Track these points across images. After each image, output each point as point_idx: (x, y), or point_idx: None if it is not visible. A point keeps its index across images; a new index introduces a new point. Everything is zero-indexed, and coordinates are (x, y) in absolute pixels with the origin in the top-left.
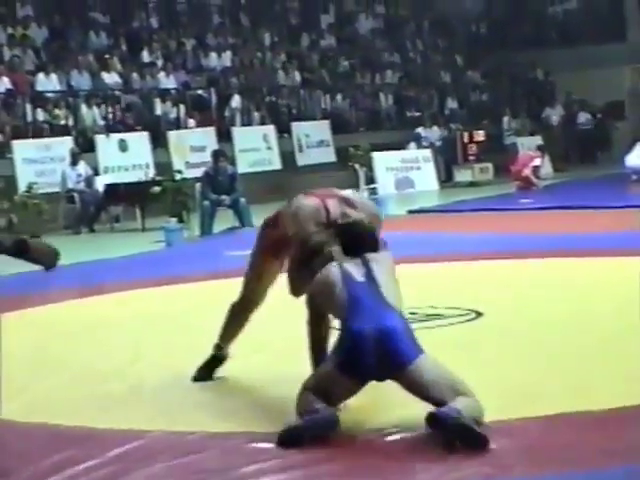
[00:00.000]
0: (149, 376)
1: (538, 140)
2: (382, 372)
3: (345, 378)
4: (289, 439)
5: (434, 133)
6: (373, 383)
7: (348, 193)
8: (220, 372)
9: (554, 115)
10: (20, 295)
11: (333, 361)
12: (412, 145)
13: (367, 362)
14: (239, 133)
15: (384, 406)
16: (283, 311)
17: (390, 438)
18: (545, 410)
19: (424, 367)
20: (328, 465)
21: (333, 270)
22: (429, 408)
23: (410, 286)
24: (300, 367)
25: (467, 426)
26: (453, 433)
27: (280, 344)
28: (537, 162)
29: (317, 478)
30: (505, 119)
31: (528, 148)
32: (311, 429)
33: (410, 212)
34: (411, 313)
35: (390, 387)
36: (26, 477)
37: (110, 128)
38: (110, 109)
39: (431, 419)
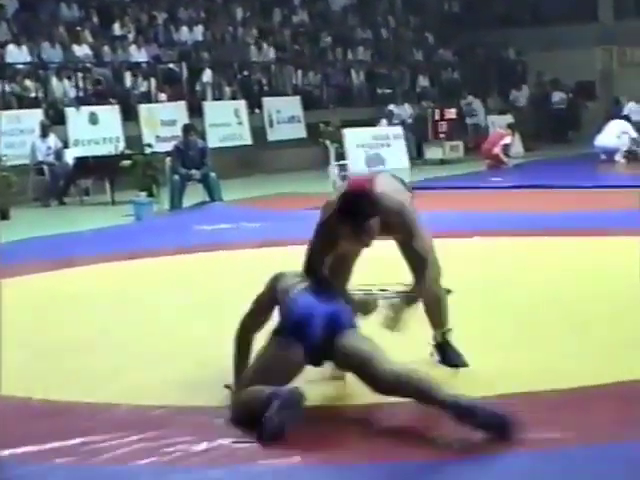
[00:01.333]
0: (116, 350)
1: (509, 119)
2: (325, 343)
3: (290, 352)
4: (269, 433)
5: (405, 110)
6: None
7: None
8: (190, 348)
9: (521, 97)
10: None
11: (274, 341)
12: (383, 122)
13: (313, 332)
14: (210, 107)
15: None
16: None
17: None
18: (514, 389)
19: (360, 336)
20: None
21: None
22: None
23: (380, 263)
24: None
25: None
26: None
27: None
28: (507, 140)
29: (288, 452)
30: (469, 98)
31: (499, 127)
32: (283, 411)
33: None
34: (381, 290)
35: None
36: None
37: (81, 101)
38: (81, 82)
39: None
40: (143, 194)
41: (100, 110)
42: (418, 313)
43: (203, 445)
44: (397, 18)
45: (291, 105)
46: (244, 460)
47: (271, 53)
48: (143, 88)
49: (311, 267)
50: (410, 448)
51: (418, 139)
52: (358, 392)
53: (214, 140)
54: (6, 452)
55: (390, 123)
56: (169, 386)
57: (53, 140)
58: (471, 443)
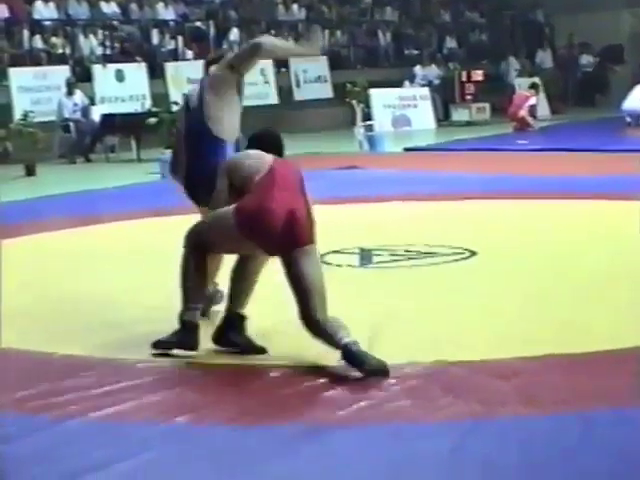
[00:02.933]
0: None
1: (535, 81)
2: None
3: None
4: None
5: (432, 71)
6: None
7: None
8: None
9: (546, 58)
10: (16, 223)
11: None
12: (406, 84)
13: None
14: None
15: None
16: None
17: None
18: (535, 351)
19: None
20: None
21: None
22: None
23: (405, 224)
24: None
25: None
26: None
27: None
28: (532, 101)
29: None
30: (512, 59)
31: (522, 88)
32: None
33: (406, 150)
34: (406, 251)
35: None
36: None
37: (107, 58)
38: (108, 39)
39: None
40: (169, 152)
41: (127, 67)
42: None
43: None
44: None
45: (318, 65)
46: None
47: (299, 12)
48: (170, 46)
49: None
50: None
51: (445, 101)
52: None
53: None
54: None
55: (416, 84)
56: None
57: (80, 97)
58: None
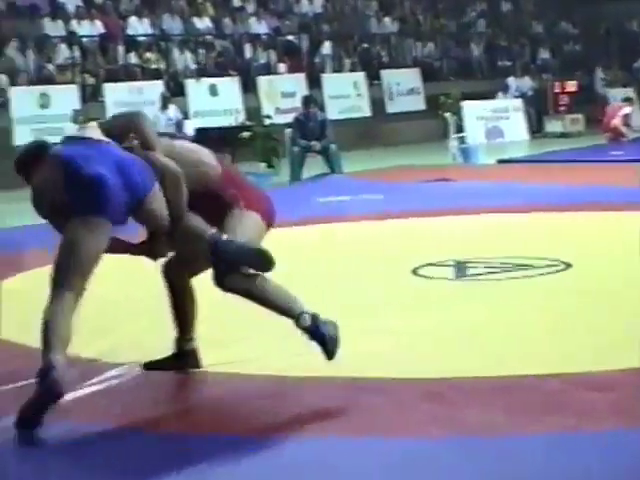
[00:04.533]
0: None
1: (630, 92)
2: (129, 205)
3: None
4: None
5: (525, 83)
6: None
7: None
8: None
9: None
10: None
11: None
12: (499, 95)
13: (116, 200)
14: (329, 80)
15: None
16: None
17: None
18: (634, 364)
19: (158, 196)
20: None
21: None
22: None
23: (500, 236)
24: None
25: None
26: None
27: None
28: (626, 110)
29: None
30: (598, 70)
31: (616, 101)
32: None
33: (500, 162)
34: (502, 263)
35: None
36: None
37: (201, 73)
38: (201, 54)
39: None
40: (263, 165)
41: (220, 82)
42: None
43: None
44: None
45: (411, 77)
46: None
47: (391, 25)
48: (263, 60)
49: None
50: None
51: (538, 112)
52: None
53: (333, 112)
54: None
55: (506, 96)
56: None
57: (173, 111)
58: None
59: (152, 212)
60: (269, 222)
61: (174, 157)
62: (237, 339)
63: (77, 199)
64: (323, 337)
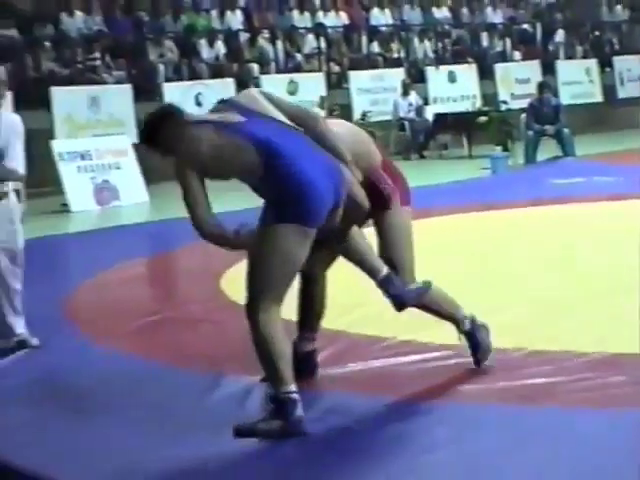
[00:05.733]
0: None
1: None
2: (330, 210)
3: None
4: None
5: None
6: None
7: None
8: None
9: None
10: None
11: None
12: None
13: (326, 208)
14: (563, 66)
15: None
16: None
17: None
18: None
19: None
20: None
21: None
22: None
23: None
24: None
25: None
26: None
27: None
28: None
29: None
30: None
31: None
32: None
33: None
34: None
35: None
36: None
37: (440, 60)
38: (440, 42)
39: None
40: (499, 149)
41: (458, 69)
42: None
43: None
44: None
45: None
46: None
47: (622, 13)
48: (499, 48)
49: None
50: None
51: None
52: None
53: (566, 97)
54: None
55: None
56: None
57: (414, 97)
58: None
59: (355, 204)
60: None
61: (350, 145)
62: None
63: (287, 204)
64: (477, 344)
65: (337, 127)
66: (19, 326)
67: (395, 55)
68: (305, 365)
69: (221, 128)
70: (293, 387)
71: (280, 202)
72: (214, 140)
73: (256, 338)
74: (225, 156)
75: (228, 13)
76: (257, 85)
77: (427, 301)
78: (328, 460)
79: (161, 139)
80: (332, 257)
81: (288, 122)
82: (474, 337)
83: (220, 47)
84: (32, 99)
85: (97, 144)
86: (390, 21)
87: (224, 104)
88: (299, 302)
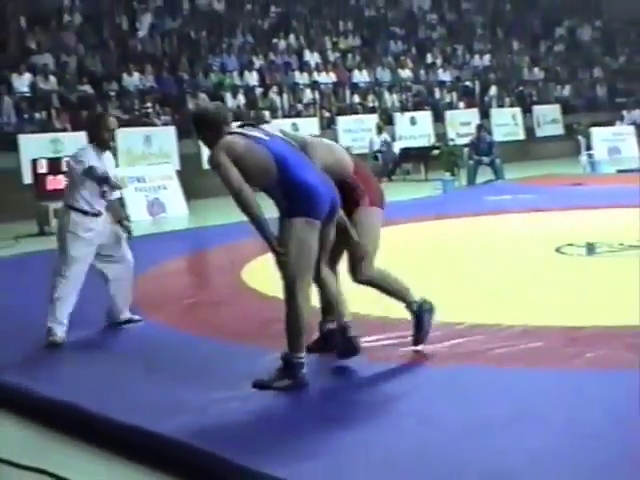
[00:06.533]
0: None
1: None
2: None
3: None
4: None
5: (636, 114)
6: None
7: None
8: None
9: None
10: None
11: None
12: (617, 123)
13: (325, 207)
14: (495, 113)
15: None
16: None
17: None
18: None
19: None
20: None
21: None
22: None
23: (620, 226)
24: None
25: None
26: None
27: None
28: None
29: None
30: None
31: None
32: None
33: (619, 171)
34: (619, 244)
35: None
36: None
37: (404, 108)
38: (404, 95)
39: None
40: (448, 174)
41: (418, 115)
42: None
43: None
44: (631, 46)
45: (553, 111)
46: None
47: (538, 74)
48: (447, 99)
49: None
50: None
51: None
52: None
53: (498, 136)
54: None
55: (622, 124)
56: None
57: (385, 136)
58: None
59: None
60: (383, 207)
61: (326, 155)
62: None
63: (297, 201)
64: (420, 326)
65: (315, 143)
66: (126, 310)
67: (370, 104)
68: (326, 339)
69: (249, 138)
70: (304, 354)
71: (290, 199)
72: (243, 146)
73: (290, 313)
74: (250, 159)
75: (246, 73)
76: None
77: (384, 283)
78: (326, 411)
79: (202, 136)
80: (333, 261)
81: (296, 145)
82: (420, 319)
83: (241, 98)
84: None
85: (149, 171)
86: (367, 79)
87: (253, 127)
88: (319, 298)
